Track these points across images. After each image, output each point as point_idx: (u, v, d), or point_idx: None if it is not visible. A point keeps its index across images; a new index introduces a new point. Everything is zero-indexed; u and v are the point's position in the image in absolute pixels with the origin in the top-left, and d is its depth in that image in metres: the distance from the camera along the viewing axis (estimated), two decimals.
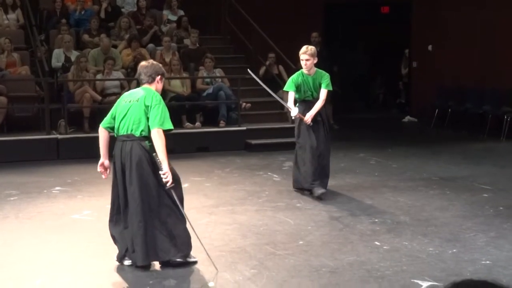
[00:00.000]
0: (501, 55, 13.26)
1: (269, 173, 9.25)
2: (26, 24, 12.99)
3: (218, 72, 12.29)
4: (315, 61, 7.75)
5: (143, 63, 5.60)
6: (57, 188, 8.36)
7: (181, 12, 13.97)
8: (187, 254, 5.37)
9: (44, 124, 10.83)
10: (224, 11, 14.20)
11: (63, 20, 12.92)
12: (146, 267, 5.28)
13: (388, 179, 8.70)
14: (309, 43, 13.78)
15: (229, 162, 10.18)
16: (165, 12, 14.03)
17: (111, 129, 5.43)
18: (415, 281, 4.93)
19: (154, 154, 5.20)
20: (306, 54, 7.67)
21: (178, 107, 11.57)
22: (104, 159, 5.44)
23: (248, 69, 8.71)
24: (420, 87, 15.52)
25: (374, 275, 5.05)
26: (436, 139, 12.63)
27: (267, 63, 12.90)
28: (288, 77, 12.56)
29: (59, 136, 10.54)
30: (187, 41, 13.16)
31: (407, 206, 7.26)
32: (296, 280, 4.98)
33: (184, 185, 8.44)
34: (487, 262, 5.36)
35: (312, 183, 7.63)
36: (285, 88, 7.91)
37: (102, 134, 5.45)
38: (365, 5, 16.83)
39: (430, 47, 15.35)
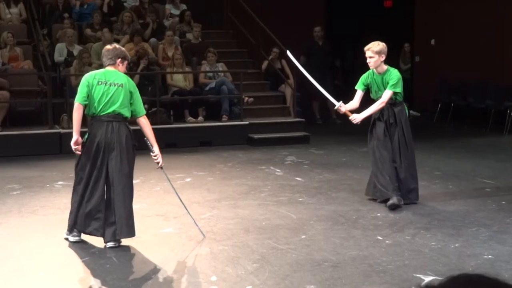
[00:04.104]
0: (504, 49, 13.23)
1: (271, 168, 9.25)
2: (29, 18, 12.98)
3: (221, 66, 12.28)
4: (382, 59, 6.87)
5: (107, 46, 5.98)
6: (60, 182, 8.38)
7: (184, 6, 13.97)
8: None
9: (47, 118, 10.84)
10: (227, 5, 14.19)
11: (66, 14, 12.92)
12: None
13: None
14: (312, 37, 13.88)
15: (231, 156, 10.18)
16: (167, 6, 14.04)
17: (85, 106, 5.69)
18: (417, 275, 4.93)
19: (145, 138, 5.72)
20: (369, 50, 6.85)
21: (181, 102, 11.58)
22: (78, 136, 5.67)
23: (288, 51, 8.11)
24: (423, 81, 15.50)
25: (376, 269, 5.06)
26: (438, 133, 12.62)
27: (270, 57, 12.90)
28: (291, 71, 12.68)
29: (62, 131, 10.54)
30: (189, 35, 13.15)
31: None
32: (298, 274, 4.98)
33: (187, 180, 8.50)
34: (490, 256, 5.36)
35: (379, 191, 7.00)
36: (356, 87, 7.20)
37: (80, 111, 5.66)
38: None
39: (432, 41, 15.32)
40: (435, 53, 15.19)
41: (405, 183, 7.02)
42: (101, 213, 5.64)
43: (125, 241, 5.75)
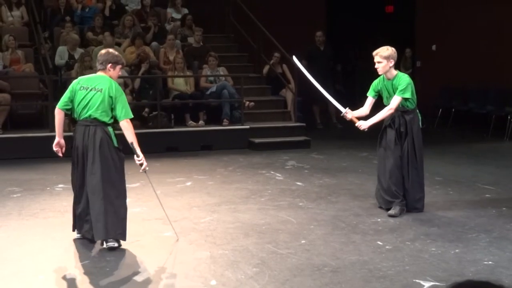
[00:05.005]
0: (505, 55, 13.24)
1: (272, 172, 9.25)
2: (31, 21, 13.01)
3: (222, 70, 12.30)
4: (391, 64, 6.67)
5: (101, 51, 6.03)
6: (60, 185, 8.38)
7: (185, 10, 14.00)
8: (122, 238, 5.74)
9: (48, 121, 10.84)
10: (228, 9, 14.21)
11: (67, 18, 12.93)
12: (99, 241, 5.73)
13: None
14: (314, 42, 13.89)
15: (232, 160, 10.18)
16: (169, 10, 14.06)
17: (67, 110, 5.86)
18: (417, 281, 4.92)
19: (131, 142, 5.67)
20: (378, 55, 6.65)
21: (182, 105, 11.59)
22: (60, 138, 5.94)
23: (294, 57, 7.82)
24: (424, 86, 15.50)
25: (376, 274, 5.05)
26: (439, 139, 12.61)
27: (271, 62, 12.91)
28: (292, 76, 12.68)
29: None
30: (191, 39, 13.18)
31: None
32: (298, 279, 4.97)
33: (188, 183, 8.50)
34: (490, 262, 5.35)
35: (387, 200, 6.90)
36: (367, 94, 6.97)
37: (60, 116, 5.89)
38: (369, 5, 16.81)
39: (434, 47, 15.34)
40: (436, 58, 15.20)
41: (411, 192, 6.94)
42: (89, 215, 5.75)
43: (124, 245, 5.76)
